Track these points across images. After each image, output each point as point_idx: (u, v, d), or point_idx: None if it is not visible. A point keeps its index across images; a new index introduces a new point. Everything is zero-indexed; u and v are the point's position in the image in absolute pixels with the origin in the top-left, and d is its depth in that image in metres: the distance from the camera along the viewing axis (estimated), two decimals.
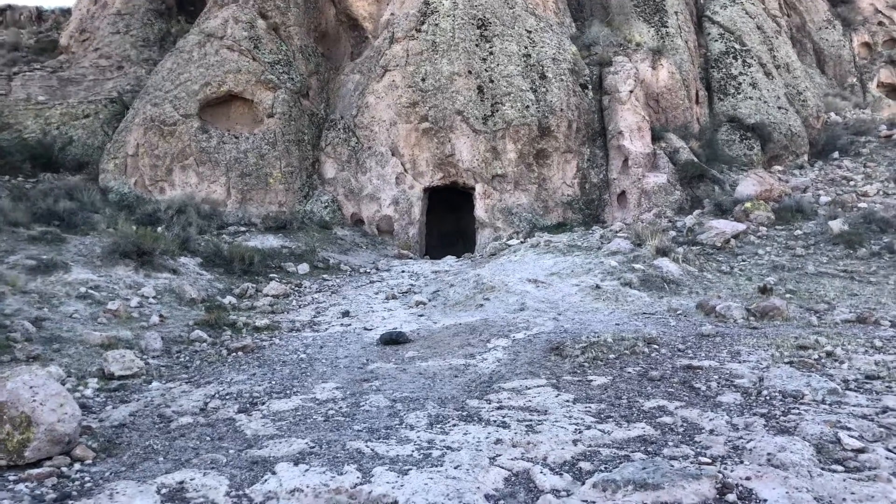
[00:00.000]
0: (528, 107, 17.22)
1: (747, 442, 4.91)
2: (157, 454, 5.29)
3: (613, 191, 17.43)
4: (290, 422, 5.95)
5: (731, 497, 4.18)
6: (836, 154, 21.52)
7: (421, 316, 10.69)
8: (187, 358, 8.75)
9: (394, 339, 9.04)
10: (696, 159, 18.01)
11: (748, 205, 15.45)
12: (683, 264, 11.79)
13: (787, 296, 10.56)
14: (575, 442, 5.08)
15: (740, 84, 22.05)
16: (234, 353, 8.75)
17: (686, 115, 19.89)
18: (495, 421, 5.63)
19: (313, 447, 5.23)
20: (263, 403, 6.53)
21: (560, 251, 12.98)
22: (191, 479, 4.67)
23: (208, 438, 5.64)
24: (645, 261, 11.73)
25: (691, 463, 4.62)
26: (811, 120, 22.85)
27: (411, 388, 6.82)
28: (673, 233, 14.28)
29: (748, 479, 4.39)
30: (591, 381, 6.65)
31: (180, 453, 5.28)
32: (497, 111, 17.21)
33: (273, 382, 7.21)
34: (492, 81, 17.38)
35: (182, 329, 9.93)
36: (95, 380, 7.50)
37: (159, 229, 14.08)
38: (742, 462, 4.61)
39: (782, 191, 16.40)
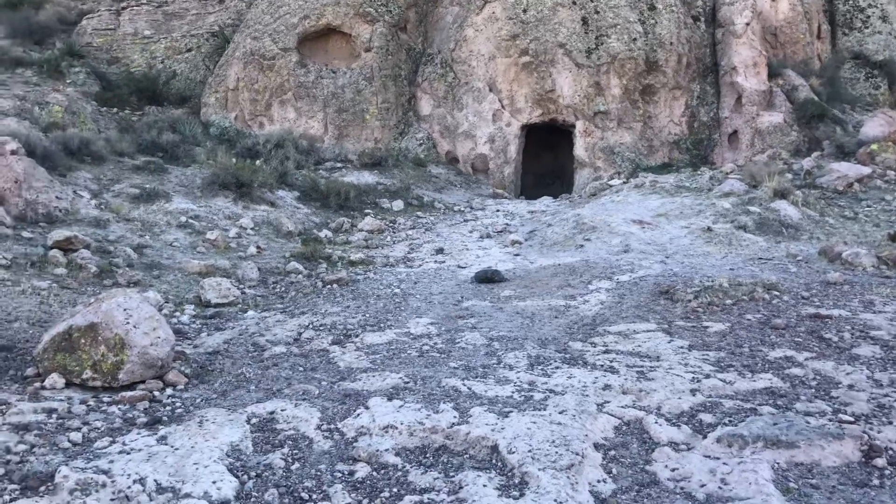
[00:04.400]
0: (635, 39, 16.22)
1: (895, 400, 4.31)
2: (249, 382, 5.12)
3: (724, 130, 16.33)
4: (384, 356, 5.69)
5: (881, 461, 3.64)
6: None
7: (517, 255, 10.26)
8: (283, 289, 8.64)
9: (489, 278, 8.66)
10: (815, 98, 16.63)
11: (874, 147, 14.15)
12: (803, 208, 10.87)
13: None
14: (693, 392, 4.60)
15: (868, 17, 20.17)
16: (329, 286, 8.58)
17: (807, 51, 18.36)
18: (602, 365, 5.19)
19: (408, 382, 4.94)
20: (357, 336, 6.29)
21: (667, 192, 12.22)
22: (282, 410, 4.46)
23: (301, 369, 5.44)
24: (761, 203, 10.86)
25: (829, 420, 4.07)
26: None
27: (509, 328, 6.44)
28: (790, 175, 13.23)
29: None
30: (707, 327, 6.09)
31: (272, 382, 5.09)
32: (602, 44, 16.29)
33: (367, 315, 6.97)
34: (597, 12, 16.42)
35: (278, 260, 9.85)
36: (192, 307, 7.45)
37: (258, 162, 14.06)
38: (891, 422, 4.03)
39: None
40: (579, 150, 16.47)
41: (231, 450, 3.95)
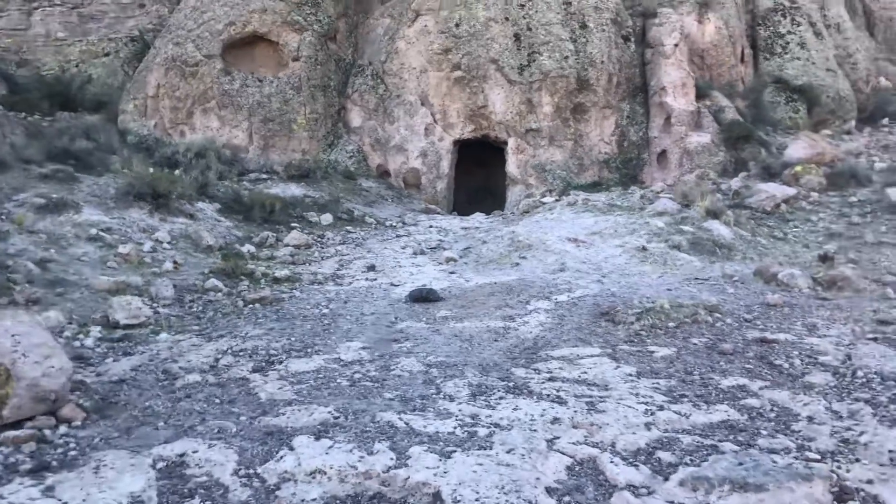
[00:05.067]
0: (566, 57, 16.12)
1: (858, 434, 4.04)
2: (157, 418, 4.52)
3: (653, 150, 16.37)
4: (311, 385, 5.16)
5: None
6: (885, 120, 20.26)
7: (452, 273, 9.84)
8: (200, 308, 7.98)
9: (424, 297, 8.21)
10: (741, 119, 16.88)
11: (798, 168, 14.37)
12: (735, 228, 10.83)
13: (850, 265, 9.60)
14: (648, 426, 4.24)
15: (788, 43, 20.70)
16: (251, 305, 7.97)
17: (731, 74, 18.68)
18: (548, 395, 4.80)
19: (338, 417, 4.43)
20: (281, 362, 5.74)
21: (600, 210, 12.04)
22: (193, 452, 3.89)
23: (217, 401, 4.87)
24: (694, 223, 10.77)
25: (795, 458, 3.77)
26: (860, 84, 21.51)
27: (447, 352, 6.00)
28: (719, 195, 13.28)
29: (870, 482, 3.54)
30: (653, 352, 5.79)
31: (184, 418, 4.50)
32: (534, 61, 16.12)
33: (292, 339, 6.42)
34: (529, 29, 16.27)
35: (196, 277, 9.16)
36: (98, 328, 6.74)
37: (177, 172, 13.27)
38: (858, 460, 3.76)
39: (835, 155, 15.28)
40: (511, 167, 16.23)
41: (131, 502, 3.38)
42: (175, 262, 9.63)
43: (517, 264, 9.77)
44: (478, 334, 6.58)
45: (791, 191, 13.46)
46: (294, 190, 14.65)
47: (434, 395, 4.85)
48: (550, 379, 5.16)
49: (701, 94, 17.09)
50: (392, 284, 9.22)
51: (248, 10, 16.63)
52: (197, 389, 5.12)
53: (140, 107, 16.80)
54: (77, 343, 6.24)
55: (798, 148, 15.40)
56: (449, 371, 5.43)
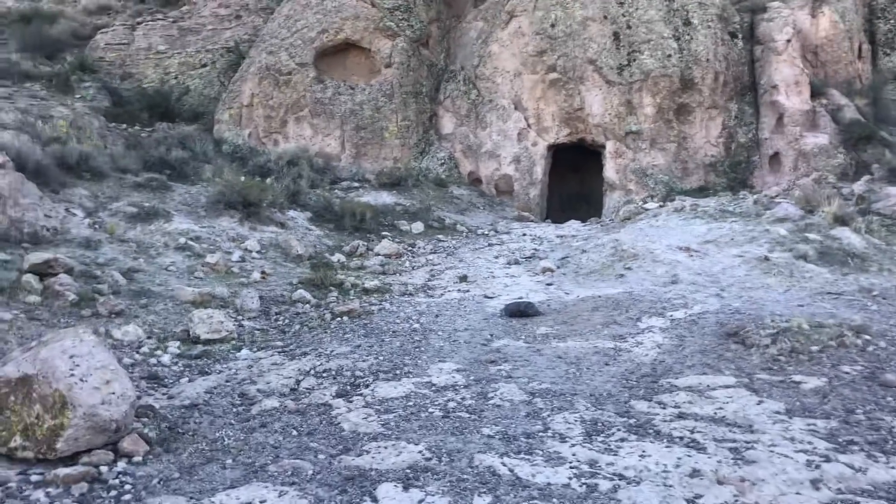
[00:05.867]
0: (669, 56, 15.02)
1: None
2: (226, 453, 3.92)
3: (764, 152, 15.05)
4: (400, 415, 4.47)
5: None
6: None
7: (549, 285, 9.03)
8: (286, 321, 7.47)
9: (521, 311, 7.43)
10: (862, 119, 15.34)
11: None
12: (867, 236, 9.58)
13: None
14: (815, 483, 3.34)
15: None
16: (339, 318, 7.40)
17: (849, 71, 17.08)
18: (681, 438, 3.94)
19: (429, 459, 3.72)
20: (367, 386, 5.08)
21: (711, 216, 10.96)
22: (261, 502, 3.25)
23: (294, 433, 4.24)
24: (820, 230, 9.58)
25: None
26: None
27: (551, 377, 5.21)
28: (840, 200, 11.93)
29: None
30: (799, 383, 4.82)
31: (256, 454, 3.89)
32: (634, 60, 15.10)
33: (380, 358, 5.76)
34: (629, 27, 15.26)
35: (284, 287, 8.68)
36: (177, 343, 6.29)
37: (268, 180, 12.95)
38: None
39: None
40: (609, 171, 15.23)
41: None
42: (263, 272, 9.20)
43: (622, 276, 8.86)
44: (585, 356, 5.76)
45: None
46: (385, 198, 14.13)
47: (541, 434, 4.07)
48: (679, 416, 4.30)
49: (816, 93, 15.63)
50: (486, 297, 8.49)
51: (341, 17, 16.28)
52: (274, 417, 4.52)
53: (235, 116, 16.69)
54: (153, 360, 5.78)
55: None
56: (556, 402, 4.64)
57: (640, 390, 4.85)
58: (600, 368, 5.41)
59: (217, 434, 4.22)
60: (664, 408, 4.46)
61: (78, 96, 16.54)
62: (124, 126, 16.14)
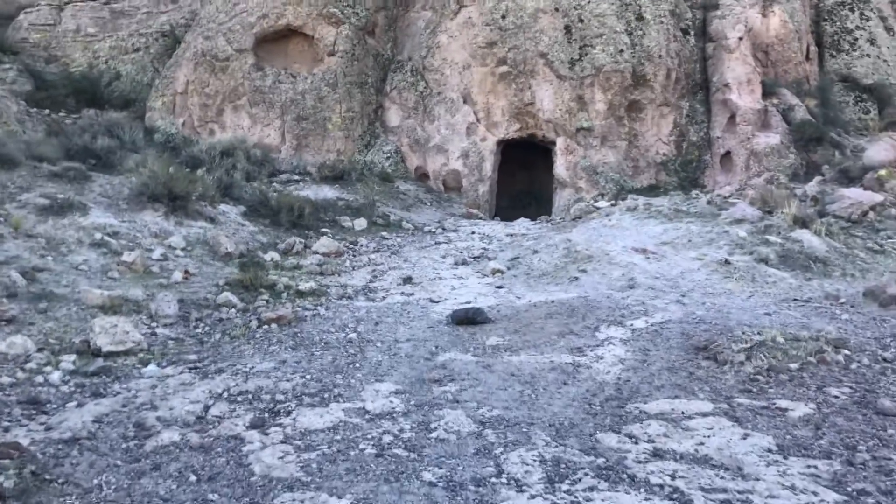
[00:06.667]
0: (621, 51, 14.47)
1: None
2: None
3: (716, 151, 14.62)
4: (324, 454, 3.68)
5: None
6: None
7: (500, 288, 8.31)
8: (206, 329, 6.58)
9: (470, 319, 6.68)
10: (812, 119, 15.06)
11: (883, 173, 12.50)
12: (827, 238, 9.12)
13: None
14: None
15: (856, 40, 18.74)
16: (266, 326, 6.54)
17: (798, 71, 16.81)
18: (660, 485, 3.24)
19: None
20: (289, 413, 4.27)
21: (665, 216, 10.39)
22: None
23: (193, 478, 3.41)
24: (780, 232, 9.09)
25: None
26: None
27: (504, 400, 4.48)
28: (797, 202, 11.52)
29: None
30: (785, 410, 4.18)
31: None
32: (586, 55, 14.49)
33: (307, 377, 4.94)
34: (581, 21, 14.64)
35: (209, 290, 7.76)
36: (74, 357, 5.36)
37: (199, 172, 11.94)
38: None
39: None
40: (560, 168, 14.61)
41: None
42: (186, 272, 8.25)
43: (576, 279, 8.19)
44: (540, 373, 5.04)
45: (878, 197, 11.62)
46: (327, 192, 13.23)
47: (493, 479, 3.33)
48: (655, 453, 3.61)
49: (767, 92, 15.29)
50: (431, 300, 7.72)
51: (283, 1, 15.28)
52: (171, 456, 3.67)
53: (168, 104, 15.57)
54: (40, 379, 4.85)
55: (879, 150, 13.53)
56: (510, 433, 3.90)
57: (605, 418, 4.14)
58: (558, 389, 4.70)
59: (95, 481, 3.36)
60: (636, 442, 3.76)
61: None
62: (47, 112, 14.90)
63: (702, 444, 3.71)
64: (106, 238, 8.63)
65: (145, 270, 8.04)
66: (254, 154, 14.05)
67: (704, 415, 4.12)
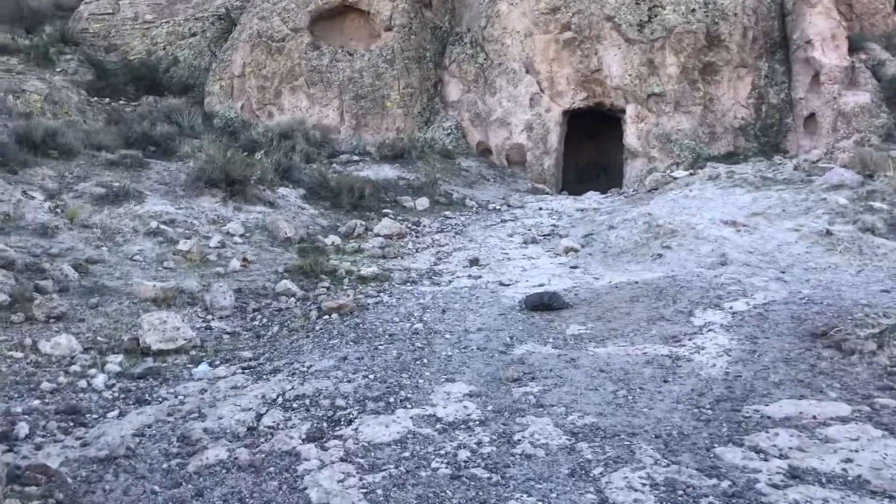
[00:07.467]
0: (693, 10, 13.41)
1: None
2: None
3: (799, 113, 13.47)
4: (391, 476, 3.10)
5: None
6: None
7: (574, 268, 7.60)
8: (264, 321, 6.10)
9: (546, 304, 6.01)
10: None
11: None
12: None
13: None
14: None
15: None
16: (327, 316, 6.01)
17: (887, 23, 15.40)
18: None
19: None
20: (350, 422, 3.71)
21: (752, 185, 9.47)
22: None
23: None
24: (885, 198, 8.11)
25: None
26: None
27: (596, 404, 3.82)
28: None
29: None
30: None
31: None
32: (656, 16, 13.49)
33: (371, 376, 4.37)
34: None
35: (268, 277, 7.29)
36: (121, 358, 4.92)
37: (257, 155, 11.53)
38: None
39: None
40: (631, 137, 13.70)
41: None
42: (244, 259, 7.80)
43: (660, 256, 7.41)
44: (634, 369, 4.36)
45: None
46: (387, 172, 12.67)
47: None
48: (792, 475, 2.90)
49: (854, 48, 13.98)
50: (501, 284, 7.06)
51: None
52: (216, 478, 3.15)
53: (226, 88, 15.24)
54: (83, 383, 4.41)
55: None
56: (608, 448, 3.25)
57: (720, 425, 3.45)
58: (658, 388, 4.01)
59: None
60: (765, 459, 3.06)
61: (59, 70, 15.12)
62: (107, 100, 14.74)
63: (849, 460, 2.99)
64: (162, 226, 8.27)
65: (202, 259, 7.63)
66: (313, 135, 13.58)
67: (843, 420, 3.38)
